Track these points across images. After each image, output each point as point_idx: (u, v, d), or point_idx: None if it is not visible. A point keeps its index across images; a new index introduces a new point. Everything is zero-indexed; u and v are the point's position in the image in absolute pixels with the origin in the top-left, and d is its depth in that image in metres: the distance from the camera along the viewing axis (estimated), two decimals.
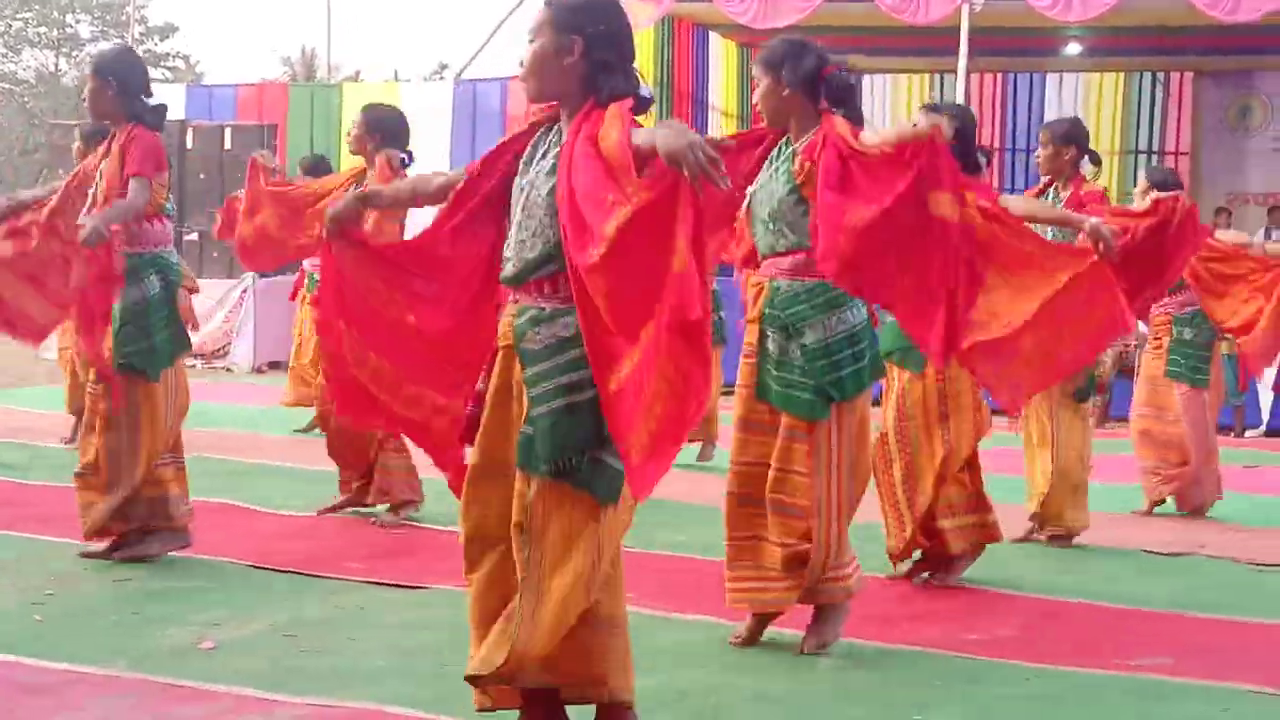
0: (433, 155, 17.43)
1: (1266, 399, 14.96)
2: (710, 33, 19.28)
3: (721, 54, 19.88)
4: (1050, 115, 21.64)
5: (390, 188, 4.66)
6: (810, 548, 4.75)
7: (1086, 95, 21.74)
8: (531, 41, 3.55)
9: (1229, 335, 8.33)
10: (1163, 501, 8.46)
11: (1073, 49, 19.14)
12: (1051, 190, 7.09)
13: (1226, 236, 8.64)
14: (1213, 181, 20.77)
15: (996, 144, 21.69)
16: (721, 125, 20.05)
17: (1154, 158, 21.59)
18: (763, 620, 4.96)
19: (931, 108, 5.99)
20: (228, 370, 16.04)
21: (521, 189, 3.58)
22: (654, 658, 4.58)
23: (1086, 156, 7.07)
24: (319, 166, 10.32)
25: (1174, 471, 8.31)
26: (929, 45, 17.41)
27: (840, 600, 4.92)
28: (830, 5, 15.44)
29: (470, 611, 3.63)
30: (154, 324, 5.91)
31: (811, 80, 4.77)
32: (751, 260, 4.99)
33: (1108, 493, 8.33)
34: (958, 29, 15.14)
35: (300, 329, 10.37)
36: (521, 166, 3.62)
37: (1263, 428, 14.90)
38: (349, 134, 7.10)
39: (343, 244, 3.84)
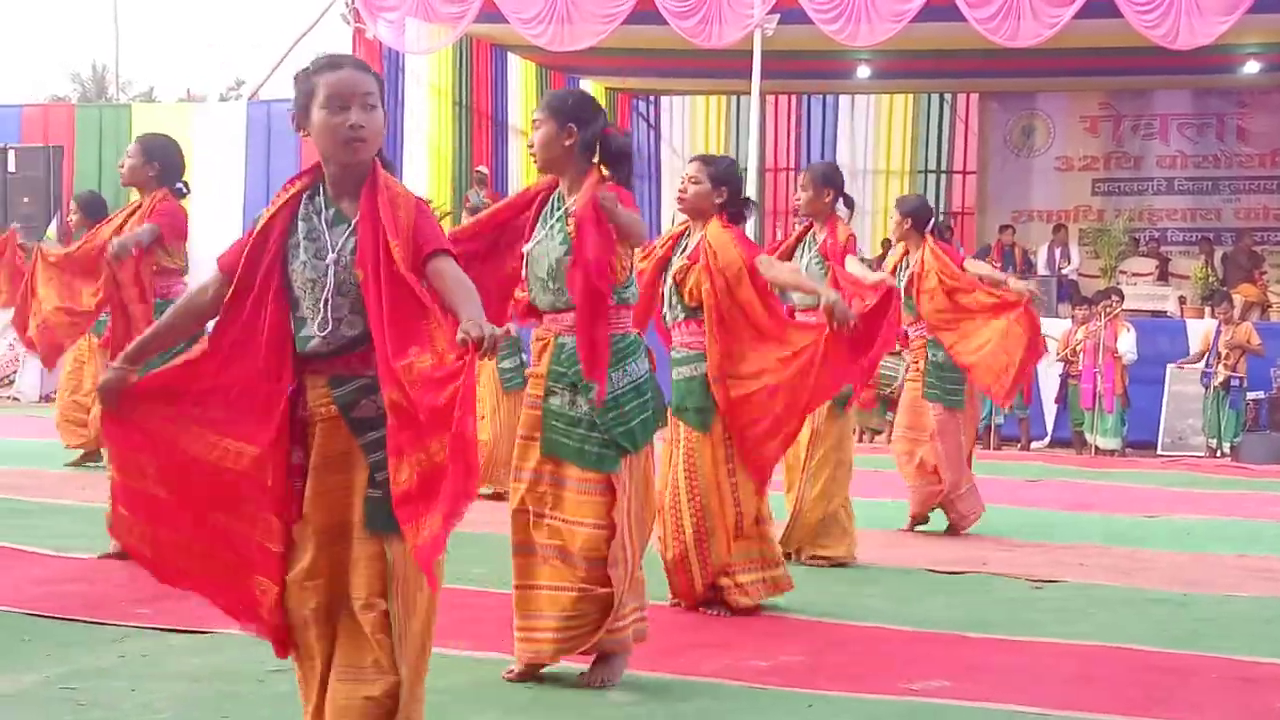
0: (227, 179, 17.17)
1: (1051, 411, 15.50)
2: (509, 53, 19.29)
3: (520, 74, 19.89)
4: (843, 136, 22.20)
5: (159, 327, 3.86)
6: (606, 592, 4.82)
7: (877, 116, 22.30)
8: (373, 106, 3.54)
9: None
10: (925, 520, 8.70)
11: (863, 72, 19.58)
12: (809, 235, 7.37)
13: (978, 269, 8.95)
14: (999, 199, 21.45)
15: (791, 164, 22.16)
16: (521, 145, 20.06)
17: (942, 177, 22.27)
18: (534, 667, 4.98)
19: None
20: (14, 400, 15.54)
21: (322, 266, 3.50)
22: (444, 697, 4.57)
23: (841, 199, 7.36)
24: (95, 204, 9.60)
25: (934, 490, 8.56)
26: (724, 68, 17.66)
27: (618, 651, 4.96)
28: (627, 28, 15.58)
29: (312, 686, 3.58)
30: None
31: (593, 140, 4.89)
32: (532, 313, 5.06)
33: (879, 509, 8.58)
34: (751, 52, 15.40)
35: (72, 366, 10.11)
36: (303, 243, 3.53)
37: (1047, 439, 15.44)
38: (121, 165, 6.96)
39: (124, 408, 3.56)
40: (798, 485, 7.34)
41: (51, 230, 16.90)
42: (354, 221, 3.49)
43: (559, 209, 4.90)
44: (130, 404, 3.57)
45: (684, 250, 6.12)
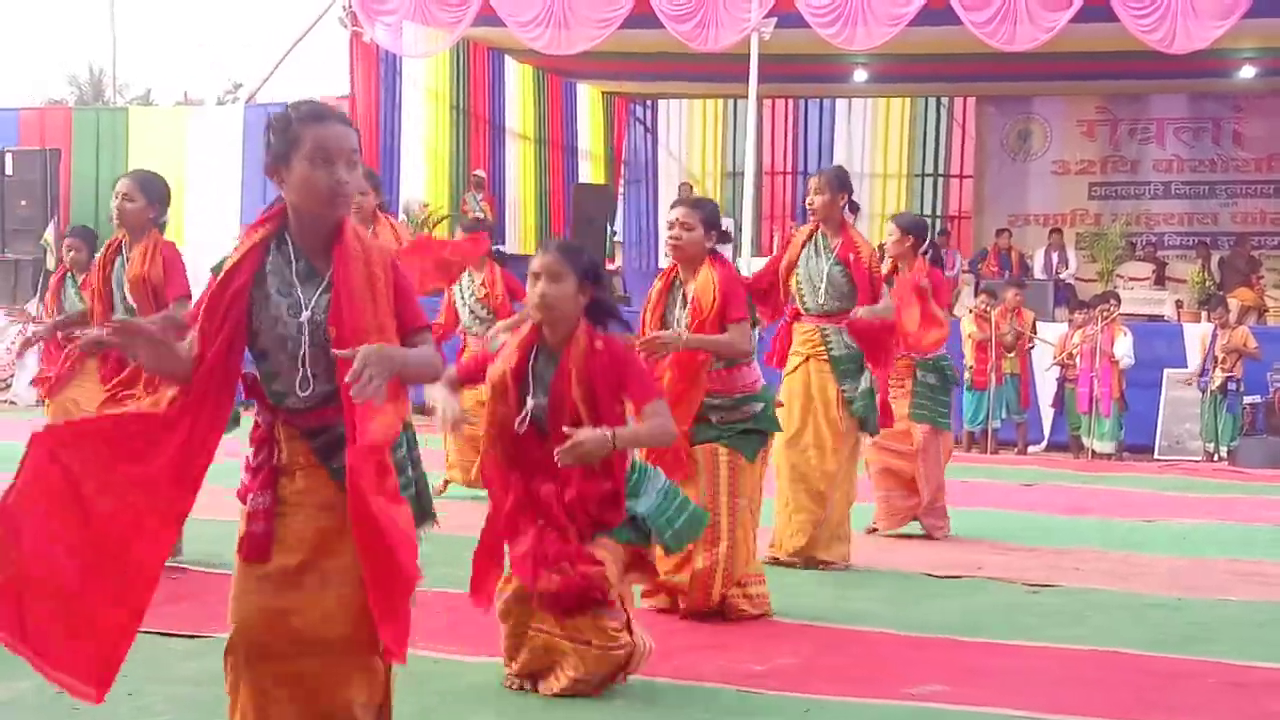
0: (224, 182, 17.16)
1: (1048, 415, 15.50)
2: (506, 57, 19.30)
3: (518, 78, 19.88)
4: (840, 140, 22.20)
5: None
6: (618, 653, 4.86)
7: (874, 120, 22.31)
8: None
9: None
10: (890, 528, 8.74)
11: (860, 75, 19.59)
12: (816, 238, 7.57)
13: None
14: (995, 203, 21.46)
15: (788, 168, 22.18)
16: (519, 149, 20.07)
17: (939, 180, 22.28)
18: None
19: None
20: (10, 404, 15.53)
21: (295, 323, 3.40)
22: (435, 700, 4.58)
23: (848, 205, 7.58)
24: (91, 236, 8.82)
25: (904, 504, 8.62)
26: (721, 71, 17.66)
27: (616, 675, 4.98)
28: (623, 32, 15.58)
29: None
30: None
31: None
32: None
33: (863, 511, 8.61)
34: (748, 56, 15.41)
35: None
36: (274, 297, 3.42)
37: (1044, 443, 15.43)
38: (118, 207, 6.71)
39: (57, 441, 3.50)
40: (827, 493, 7.37)
41: (48, 235, 16.91)
42: (326, 277, 3.40)
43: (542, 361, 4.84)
44: (66, 439, 3.51)
45: (683, 304, 6.15)
